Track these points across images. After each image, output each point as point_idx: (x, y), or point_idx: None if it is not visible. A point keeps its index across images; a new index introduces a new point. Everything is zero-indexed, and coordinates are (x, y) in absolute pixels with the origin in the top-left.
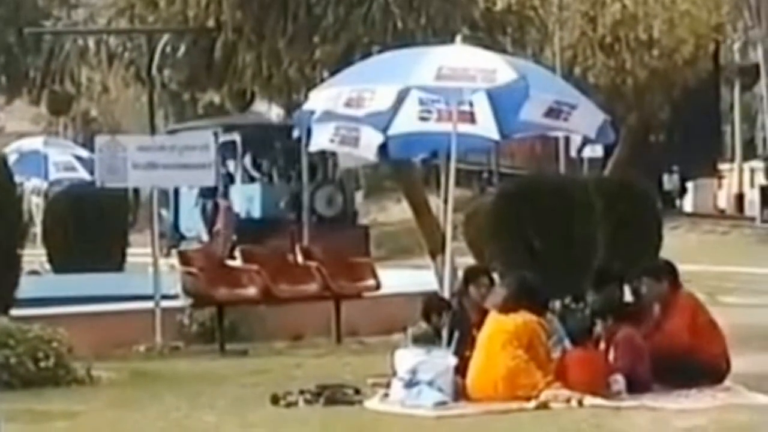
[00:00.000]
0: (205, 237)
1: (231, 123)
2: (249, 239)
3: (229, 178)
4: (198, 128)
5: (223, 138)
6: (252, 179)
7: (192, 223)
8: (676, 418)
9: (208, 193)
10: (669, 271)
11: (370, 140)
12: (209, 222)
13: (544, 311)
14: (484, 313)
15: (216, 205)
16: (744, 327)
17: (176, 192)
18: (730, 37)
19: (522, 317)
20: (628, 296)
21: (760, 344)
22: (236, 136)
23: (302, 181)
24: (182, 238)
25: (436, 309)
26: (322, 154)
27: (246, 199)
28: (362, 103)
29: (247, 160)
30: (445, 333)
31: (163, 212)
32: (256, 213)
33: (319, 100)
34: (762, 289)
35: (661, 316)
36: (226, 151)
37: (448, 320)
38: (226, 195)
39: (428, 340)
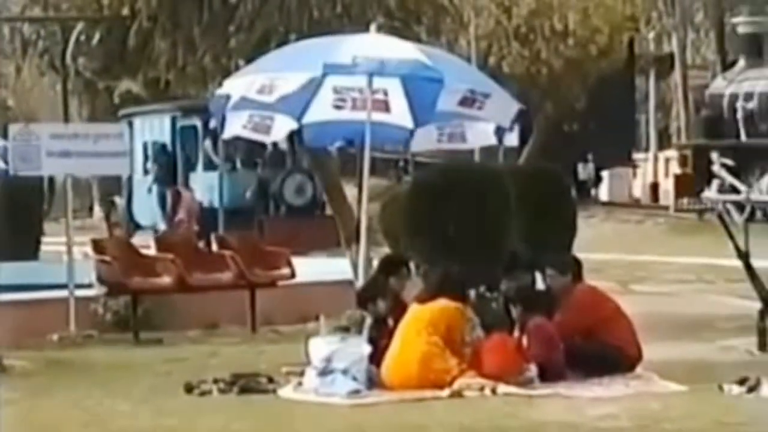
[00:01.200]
0: (162, 226)
1: (191, 106)
2: (213, 230)
3: (190, 165)
4: (155, 112)
5: (182, 122)
6: (214, 166)
7: (147, 211)
8: (589, 406)
9: (165, 180)
10: (573, 264)
11: (283, 127)
12: (170, 211)
13: (455, 297)
14: (400, 302)
15: (178, 194)
16: (655, 315)
17: (129, 179)
18: (644, 27)
19: (440, 304)
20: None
21: (671, 332)
22: (196, 121)
23: (269, 169)
24: (137, 227)
25: (370, 297)
26: (291, 140)
27: (208, 187)
28: (274, 90)
29: (208, 145)
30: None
31: (117, 199)
32: (220, 202)
33: (233, 86)
34: (673, 277)
35: (563, 308)
36: (186, 136)
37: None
38: (186, 183)
39: (353, 327)
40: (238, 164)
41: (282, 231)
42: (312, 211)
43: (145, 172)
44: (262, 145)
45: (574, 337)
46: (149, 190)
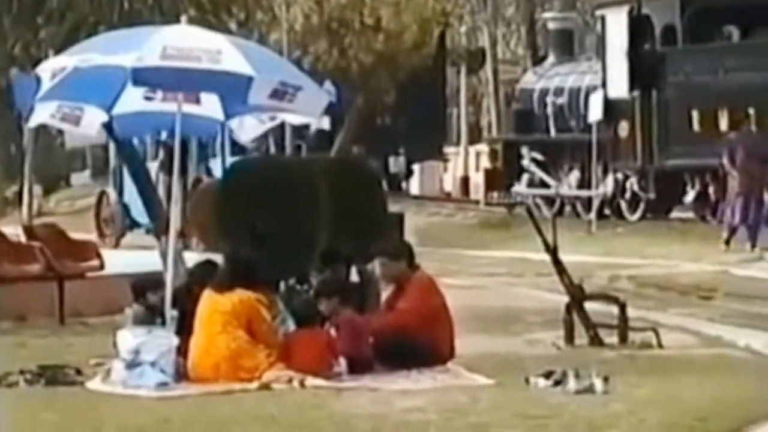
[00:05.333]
0: None
1: None
2: None
3: (208, 150)
4: None
5: None
6: (243, 150)
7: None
8: (397, 399)
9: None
10: (405, 251)
11: (93, 119)
12: None
13: (265, 289)
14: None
15: (199, 182)
16: (465, 308)
17: (120, 166)
18: (456, 21)
19: (238, 295)
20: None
21: (479, 325)
22: None
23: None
24: (134, 225)
25: (146, 288)
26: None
27: None
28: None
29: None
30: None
31: (109, 191)
32: None
33: (42, 70)
34: (483, 271)
35: (395, 296)
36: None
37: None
38: (207, 170)
39: (147, 322)
40: (272, 148)
41: None
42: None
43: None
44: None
45: (404, 327)
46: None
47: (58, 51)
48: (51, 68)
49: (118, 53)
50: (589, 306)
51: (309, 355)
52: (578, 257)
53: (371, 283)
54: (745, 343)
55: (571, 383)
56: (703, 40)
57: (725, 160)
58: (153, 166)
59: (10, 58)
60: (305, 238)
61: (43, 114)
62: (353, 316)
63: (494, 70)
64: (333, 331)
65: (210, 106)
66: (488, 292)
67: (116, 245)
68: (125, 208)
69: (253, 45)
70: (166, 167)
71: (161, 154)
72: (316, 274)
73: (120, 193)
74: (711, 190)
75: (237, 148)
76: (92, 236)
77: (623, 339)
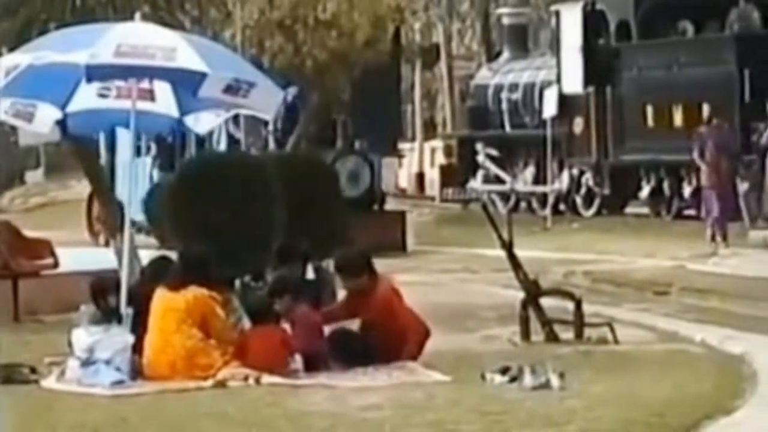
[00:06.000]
0: None
1: None
2: None
3: (204, 144)
4: None
5: None
6: (239, 146)
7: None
8: (353, 396)
9: (170, 163)
10: (363, 265)
11: (46, 116)
12: None
13: (220, 286)
14: None
15: None
16: (421, 305)
17: (111, 162)
18: (411, 17)
19: (192, 293)
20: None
21: (435, 322)
22: None
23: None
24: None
25: (104, 290)
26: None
27: None
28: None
29: (230, 119)
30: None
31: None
32: None
33: None
34: (439, 267)
35: (356, 304)
36: None
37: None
38: None
39: (102, 320)
40: (272, 143)
41: None
42: (369, 204)
43: (137, 152)
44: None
45: (371, 329)
46: (150, 177)
47: (12, 49)
48: (5, 66)
49: (72, 50)
50: (545, 302)
51: (264, 353)
52: (534, 253)
53: (327, 281)
54: (701, 338)
55: (527, 379)
56: (658, 35)
57: (695, 154)
58: (147, 162)
59: None
60: (260, 234)
61: None
62: (308, 312)
63: (449, 66)
64: (288, 328)
65: (164, 102)
66: (444, 289)
67: (107, 244)
68: (119, 206)
69: (208, 42)
70: (159, 162)
71: (153, 149)
72: (272, 271)
73: (111, 189)
74: (666, 185)
75: (233, 142)
76: (47, 234)
77: (579, 335)
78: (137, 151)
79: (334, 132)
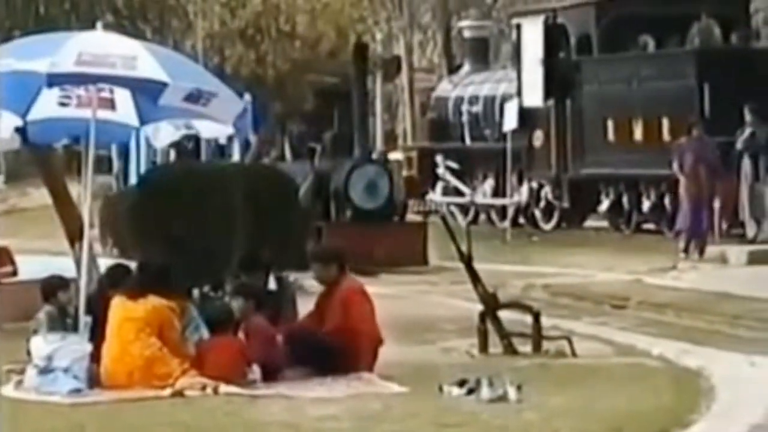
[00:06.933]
0: None
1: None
2: None
3: (220, 152)
4: None
5: None
6: (257, 156)
7: None
8: (310, 407)
9: None
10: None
11: (6, 124)
12: None
13: (178, 296)
14: None
15: None
16: (379, 317)
17: (125, 172)
18: (373, 27)
19: (151, 303)
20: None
21: (394, 334)
22: None
23: (330, 158)
24: None
25: (54, 289)
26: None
27: None
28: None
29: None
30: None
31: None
32: None
33: None
34: (398, 279)
35: (323, 298)
36: None
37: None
38: None
39: (57, 321)
40: (288, 152)
41: (348, 242)
42: (389, 216)
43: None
44: (321, 126)
45: (330, 332)
46: None
47: None
48: None
49: (34, 59)
50: (504, 315)
51: (222, 363)
52: (493, 266)
53: (288, 291)
54: (659, 352)
55: (485, 392)
56: (619, 49)
57: (674, 166)
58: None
59: None
60: (220, 244)
61: None
62: (263, 322)
63: (410, 78)
64: (242, 337)
65: (125, 112)
66: (403, 301)
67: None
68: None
69: (169, 52)
70: None
71: (173, 154)
72: (233, 280)
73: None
74: (625, 199)
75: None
76: (6, 242)
77: (537, 348)
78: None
79: (350, 141)
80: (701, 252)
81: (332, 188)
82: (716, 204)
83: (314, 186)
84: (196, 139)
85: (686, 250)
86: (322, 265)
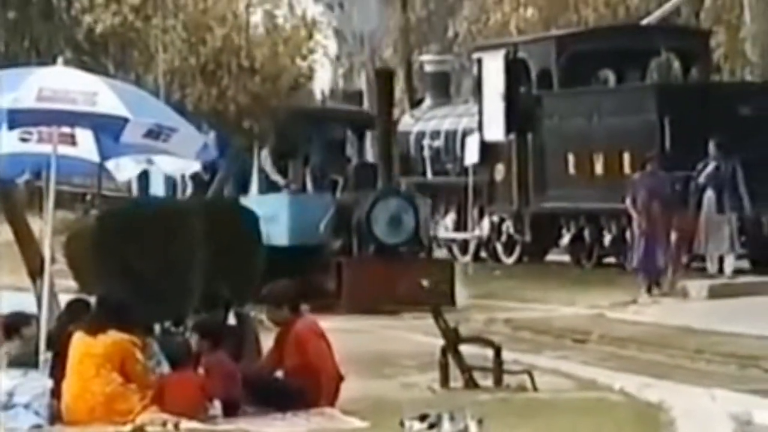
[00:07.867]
0: None
1: None
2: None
3: (241, 186)
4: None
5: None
6: (275, 187)
7: None
8: None
9: None
10: (288, 296)
11: None
12: None
13: (138, 330)
14: None
15: None
16: (340, 352)
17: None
18: (336, 62)
19: (111, 337)
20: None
21: (354, 369)
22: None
23: (352, 191)
24: None
25: (17, 325)
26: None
27: (267, 217)
28: None
29: (266, 158)
30: (44, 356)
31: None
32: (282, 238)
33: None
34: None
35: (279, 339)
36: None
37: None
38: None
39: (21, 356)
40: (309, 184)
41: (369, 278)
42: (415, 250)
43: (173, 190)
44: (343, 157)
45: (286, 370)
46: None
47: None
48: None
49: None
50: (465, 349)
51: (183, 398)
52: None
53: (249, 327)
54: (620, 386)
55: (446, 426)
56: (579, 84)
57: (628, 201)
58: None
59: None
60: (180, 280)
61: None
62: (223, 358)
63: None
64: (202, 373)
65: (86, 147)
66: (364, 336)
67: None
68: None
69: (130, 87)
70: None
71: (190, 186)
72: (194, 316)
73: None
74: (586, 233)
75: (268, 183)
76: None
77: (498, 382)
78: (173, 189)
79: (374, 173)
80: (658, 285)
81: (354, 221)
82: (673, 237)
83: (335, 219)
84: (212, 170)
85: (649, 290)
86: (274, 306)
